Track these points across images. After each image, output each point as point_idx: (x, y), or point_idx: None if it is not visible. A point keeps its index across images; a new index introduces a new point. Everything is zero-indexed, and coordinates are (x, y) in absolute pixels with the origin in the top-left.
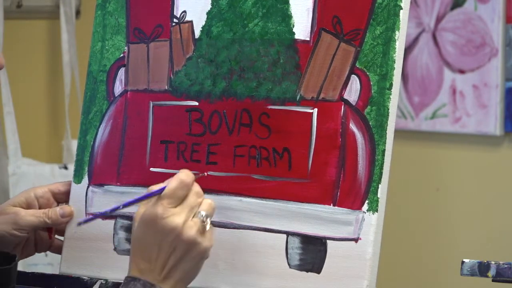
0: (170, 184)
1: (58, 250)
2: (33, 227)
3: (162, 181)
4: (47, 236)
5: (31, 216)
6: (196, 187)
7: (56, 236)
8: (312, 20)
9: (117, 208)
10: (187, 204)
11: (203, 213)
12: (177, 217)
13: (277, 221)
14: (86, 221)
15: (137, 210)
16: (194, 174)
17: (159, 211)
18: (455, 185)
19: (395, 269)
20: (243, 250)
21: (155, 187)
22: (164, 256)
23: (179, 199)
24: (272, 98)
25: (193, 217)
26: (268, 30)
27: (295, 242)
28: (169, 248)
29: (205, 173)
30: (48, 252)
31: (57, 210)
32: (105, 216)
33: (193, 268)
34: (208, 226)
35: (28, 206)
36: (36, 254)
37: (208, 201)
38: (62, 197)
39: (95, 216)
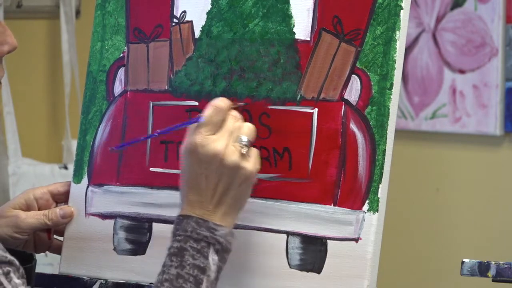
0: (206, 111)
1: (57, 250)
2: (34, 229)
3: (162, 181)
4: (46, 237)
5: (32, 218)
6: (233, 112)
7: (55, 236)
8: (312, 20)
9: (152, 136)
10: (225, 130)
11: (244, 137)
12: (217, 143)
13: (277, 221)
14: (118, 148)
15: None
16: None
17: (198, 140)
18: (455, 185)
19: (396, 269)
20: (243, 250)
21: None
22: (212, 184)
23: (216, 125)
24: (273, 98)
25: (234, 142)
26: (268, 30)
27: (295, 242)
28: (215, 175)
29: (241, 104)
30: (47, 252)
31: (57, 211)
32: (138, 143)
33: (241, 194)
34: (248, 150)
35: (27, 207)
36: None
37: (248, 124)
38: (62, 198)
39: (128, 143)
